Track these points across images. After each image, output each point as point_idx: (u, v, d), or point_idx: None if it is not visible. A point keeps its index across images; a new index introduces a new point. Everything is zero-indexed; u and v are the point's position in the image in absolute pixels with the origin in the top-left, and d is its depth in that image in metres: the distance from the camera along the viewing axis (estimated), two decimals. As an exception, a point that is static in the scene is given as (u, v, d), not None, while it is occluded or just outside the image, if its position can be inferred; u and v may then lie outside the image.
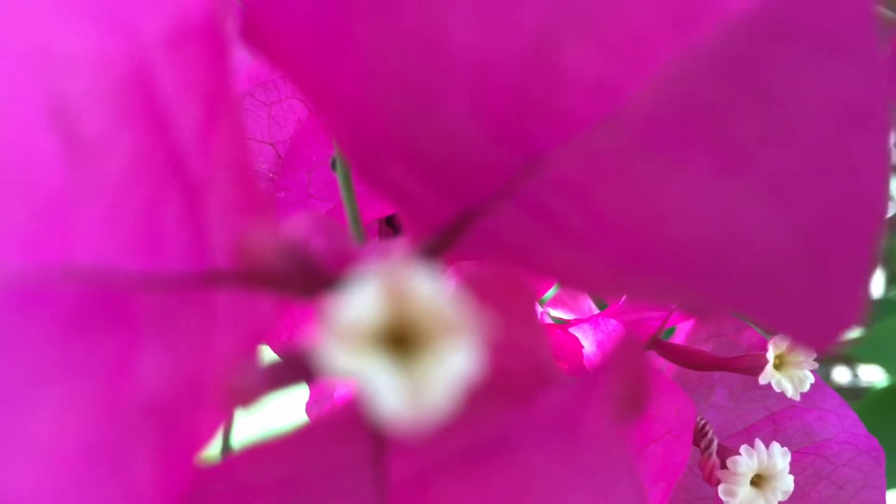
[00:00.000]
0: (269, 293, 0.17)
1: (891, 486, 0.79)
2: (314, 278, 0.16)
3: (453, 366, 0.12)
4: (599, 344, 0.33)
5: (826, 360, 1.21)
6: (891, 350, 0.82)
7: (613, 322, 0.33)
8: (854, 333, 0.97)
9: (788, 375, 0.32)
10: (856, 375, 1.13)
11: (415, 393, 0.12)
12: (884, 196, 0.13)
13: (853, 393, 1.11)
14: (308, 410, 0.37)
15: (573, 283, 0.19)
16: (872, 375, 1.12)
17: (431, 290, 0.12)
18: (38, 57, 0.13)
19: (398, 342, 0.12)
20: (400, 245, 0.18)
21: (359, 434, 0.18)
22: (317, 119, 0.35)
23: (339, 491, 0.17)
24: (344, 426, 0.18)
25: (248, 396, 0.14)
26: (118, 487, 0.13)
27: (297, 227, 0.16)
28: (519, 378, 0.16)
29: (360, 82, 0.15)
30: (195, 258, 0.16)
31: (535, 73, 0.13)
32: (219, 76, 0.17)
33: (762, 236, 0.14)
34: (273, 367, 0.14)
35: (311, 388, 0.37)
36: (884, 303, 1.19)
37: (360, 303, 0.12)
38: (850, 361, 1.13)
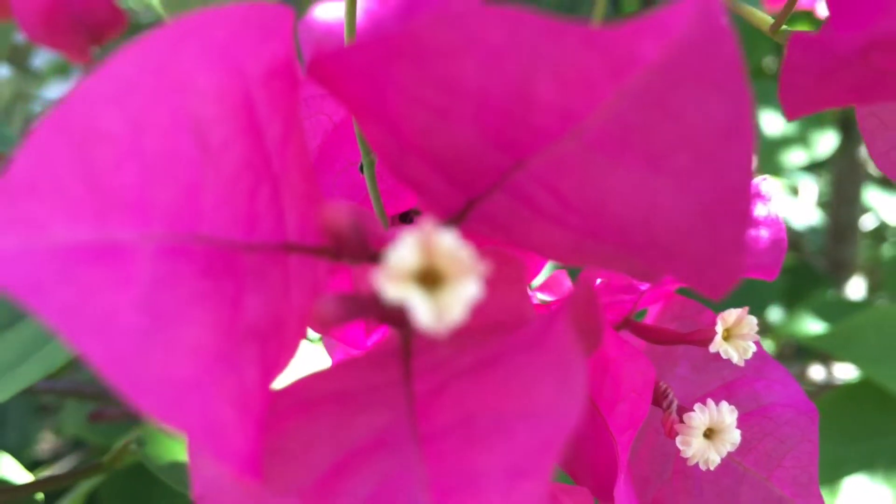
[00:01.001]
0: (328, 260, 0.24)
1: (857, 470, 0.85)
2: (361, 250, 0.23)
3: (464, 293, 0.18)
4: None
5: (803, 359, 1.28)
6: (858, 346, 0.88)
7: (591, 303, 0.40)
8: (827, 331, 1.03)
9: (734, 345, 0.38)
10: (830, 373, 1.19)
11: (440, 311, 0.18)
12: (747, 185, 0.19)
13: (828, 389, 1.18)
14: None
15: (548, 252, 0.25)
16: (846, 373, 1.18)
17: (450, 245, 0.18)
18: (185, 91, 0.19)
19: (429, 279, 0.19)
20: (424, 221, 0.24)
21: (391, 362, 0.24)
22: (341, 132, 0.41)
23: (377, 402, 0.23)
24: (380, 357, 0.24)
25: (329, 322, 0.20)
26: (237, 382, 0.20)
27: (349, 212, 0.23)
28: (508, 318, 0.23)
29: (396, 107, 0.22)
30: (277, 232, 0.22)
31: (519, 103, 0.20)
32: (291, 103, 0.23)
33: (673, 214, 0.20)
34: (346, 301, 0.20)
35: (332, 357, 0.43)
36: (863, 306, 1.26)
37: (404, 254, 0.18)
38: (826, 360, 1.19)
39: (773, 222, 0.40)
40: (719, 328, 0.38)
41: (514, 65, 0.19)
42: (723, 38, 0.18)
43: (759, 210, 0.39)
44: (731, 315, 0.38)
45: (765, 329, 1.38)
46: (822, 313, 1.13)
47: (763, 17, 0.35)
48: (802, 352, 1.35)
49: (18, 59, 1.06)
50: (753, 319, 0.38)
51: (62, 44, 1.04)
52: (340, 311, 0.20)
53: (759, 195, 0.39)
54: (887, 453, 0.87)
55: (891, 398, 0.84)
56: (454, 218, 0.24)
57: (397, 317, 0.21)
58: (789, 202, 1.60)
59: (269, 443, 0.22)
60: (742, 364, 0.38)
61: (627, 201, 0.21)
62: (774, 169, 1.40)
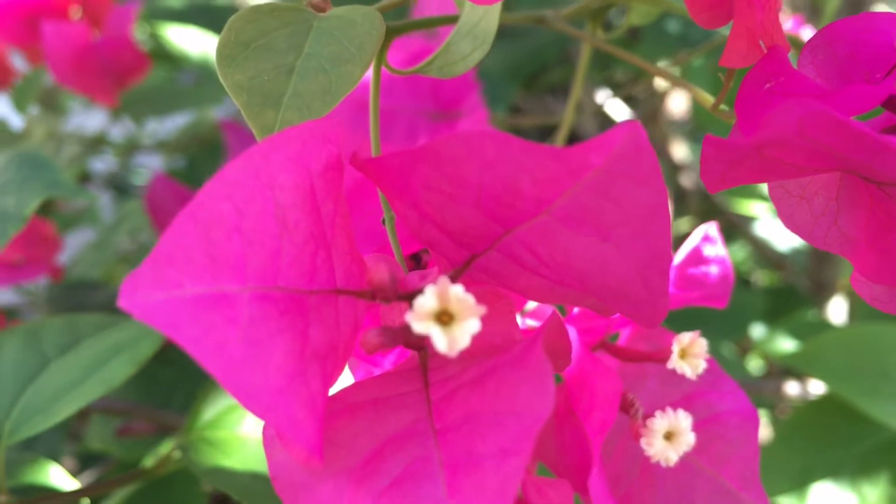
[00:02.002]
0: (365, 300, 0.32)
1: (824, 477, 0.93)
2: (393, 294, 0.31)
3: (469, 328, 0.26)
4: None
5: (779, 376, 1.36)
6: (825, 363, 0.96)
7: (571, 328, 0.48)
8: (797, 348, 1.11)
9: (688, 362, 0.46)
10: (805, 390, 1.27)
11: (452, 340, 0.26)
12: (668, 250, 0.27)
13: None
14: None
15: (530, 294, 0.33)
16: (820, 389, 1.26)
17: (459, 294, 0.27)
18: (272, 187, 0.28)
19: (444, 318, 0.27)
20: (436, 273, 0.32)
21: (413, 376, 0.32)
22: (360, 189, 0.49)
23: (404, 405, 0.31)
24: (404, 372, 0.32)
25: (374, 347, 0.28)
26: (307, 391, 0.28)
27: (389, 270, 0.31)
28: (500, 340, 0.31)
29: (418, 193, 0.30)
30: (329, 280, 0.31)
31: (508, 193, 0.28)
32: (339, 186, 0.31)
33: (618, 269, 0.29)
34: (387, 333, 0.28)
35: (354, 373, 0.51)
36: (830, 326, 1.34)
37: (426, 300, 0.26)
38: (801, 377, 1.27)
39: (720, 260, 0.48)
40: (675, 348, 0.46)
41: (504, 169, 0.27)
42: (645, 150, 0.26)
43: (708, 251, 0.47)
44: (686, 337, 0.46)
45: (750, 347, 1.46)
46: (796, 333, 1.21)
47: (706, 97, 0.43)
48: (788, 369, 1.42)
49: (50, 100, 1.14)
50: (704, 341, 0.46)
51: (90, 87, 1.13)
52: (383, 339, 0.28)
53: (707, 238, 0.47)
54: (852, 461, 0.94)
55: (855, 411, 0.91)
56: (459, 269, 0.32)
57: (419, 343, 0.29)
58: (774, 225, 1.68)
59: (326, 436, 0.30)
60: (696, 378, 0.46)
61: (584, 259, 0.29)
62: (756, 195, 1.48)
